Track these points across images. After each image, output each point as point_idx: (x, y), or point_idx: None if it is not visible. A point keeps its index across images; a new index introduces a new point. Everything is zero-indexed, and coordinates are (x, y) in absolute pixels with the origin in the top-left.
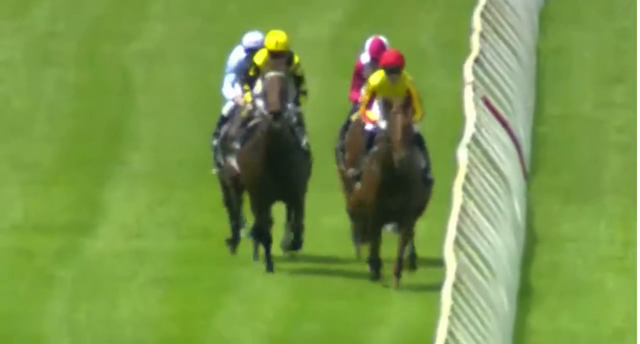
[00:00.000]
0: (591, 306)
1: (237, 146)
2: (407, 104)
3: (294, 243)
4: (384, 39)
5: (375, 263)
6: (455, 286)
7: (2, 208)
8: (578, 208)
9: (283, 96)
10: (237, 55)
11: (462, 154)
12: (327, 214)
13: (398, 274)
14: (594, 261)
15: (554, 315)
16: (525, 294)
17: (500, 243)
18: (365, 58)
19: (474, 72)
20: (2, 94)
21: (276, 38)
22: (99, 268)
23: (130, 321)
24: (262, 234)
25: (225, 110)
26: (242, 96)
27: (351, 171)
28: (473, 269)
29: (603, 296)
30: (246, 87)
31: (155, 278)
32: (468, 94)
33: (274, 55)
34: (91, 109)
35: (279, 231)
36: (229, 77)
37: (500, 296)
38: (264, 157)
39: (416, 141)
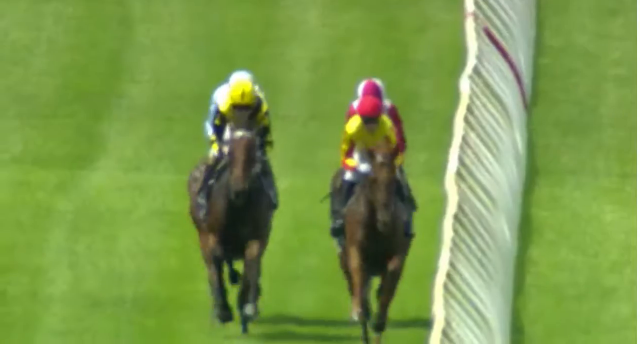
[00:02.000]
0: (590, 238)
1: (202, 200)
2: (392, 152)
3: (249, 311)
4: (378, 82)
5: (363, 321)
6: (456, 217)
7: (1, 141)
8: (577, 141)
9: (248, 170)
10: (222, 95)
11: (464, 85)
12: (325, 147)
13: (380, 329)
14: (592, 194)
15: (553, 247)
16: (525, 226)
17: (501, 174)
18: (357, 104)
19: (475, 3)
20: (1, 28)
21: (241, 90)
22: (98, 201)
23: (130, 254)
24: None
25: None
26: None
27: (332, 225)
28: (474, 200)
29: (601, 229)
30: (213, 137)
31: (155, 211)
32: (469, 25)
33: (239, 107)
34: (90, 42)
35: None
36: (212, 120)
37: (501, 226)
38: (227, 206)
39: (398, 193)
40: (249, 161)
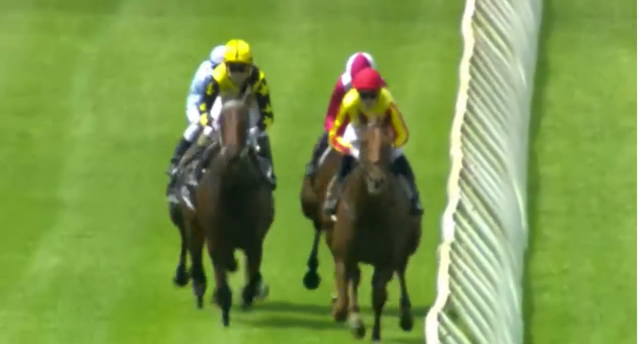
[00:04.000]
0: (605, 80)
1: (193, 182)
2: (387, 123)
3: (247, 293)
4: (368, 56)
5: (348, 316)
6: (473, 61)
7: None
8: None
9: (242, 135)
10: (204, 72)
11: None
12: None
13: (376, 333)
14: (608, 36)
15: (569, 89)
16: (541, 69)
17: (517, 18)
18: (346, 78)
19: None
20: None
21: (236, 48)
22: (122, 44)
23: (152, 96)
24: (198, 277)
25: (188, 134)
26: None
27: (326, 205)
28: (491, 44)
29: (617, 71)
30: (202, 107)
31: (178, 54)
32: None
33: (233, 67)
34: None
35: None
36: (194, 98)
37: (518, 70)
38: (220, 193)
39: (400, 168)
40: (242, 125)
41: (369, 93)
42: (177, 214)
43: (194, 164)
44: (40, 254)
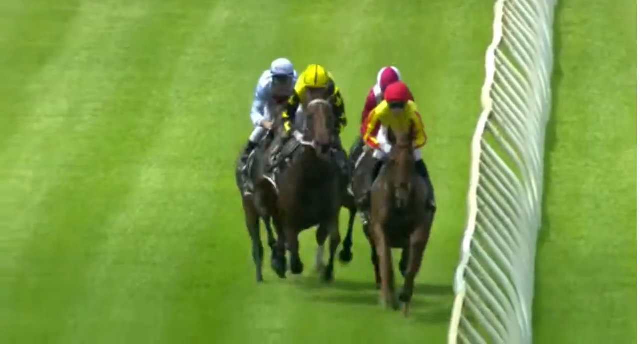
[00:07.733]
0: None
1: (276, 169)
2: (411, 133)
3: (344, 255)
4: (396, 69)
5: (388, 288)
6: None
7: None
8: None
9: (330, 126)
10: (265, 80)
11: None
12: None
13: (406, 299)
14: None
15: None
16: None
17: None
18: (377, 90)
19: None
20: None
21: (314, 73)
22: None
23: None
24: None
25: (253, 136)
26: (270, 120)
27: (359, 200)
28: None
29: None
30: (285, 115)
31: None
32: None
33: (313, 91)
34: None
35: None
36: (256, 103)
37: None
38: (301, 186)
39: (420, 170)
40: (329, 120)
41: (398, 104)
42: (251, 204)
43: (278, 156)
44: (216, 9)
